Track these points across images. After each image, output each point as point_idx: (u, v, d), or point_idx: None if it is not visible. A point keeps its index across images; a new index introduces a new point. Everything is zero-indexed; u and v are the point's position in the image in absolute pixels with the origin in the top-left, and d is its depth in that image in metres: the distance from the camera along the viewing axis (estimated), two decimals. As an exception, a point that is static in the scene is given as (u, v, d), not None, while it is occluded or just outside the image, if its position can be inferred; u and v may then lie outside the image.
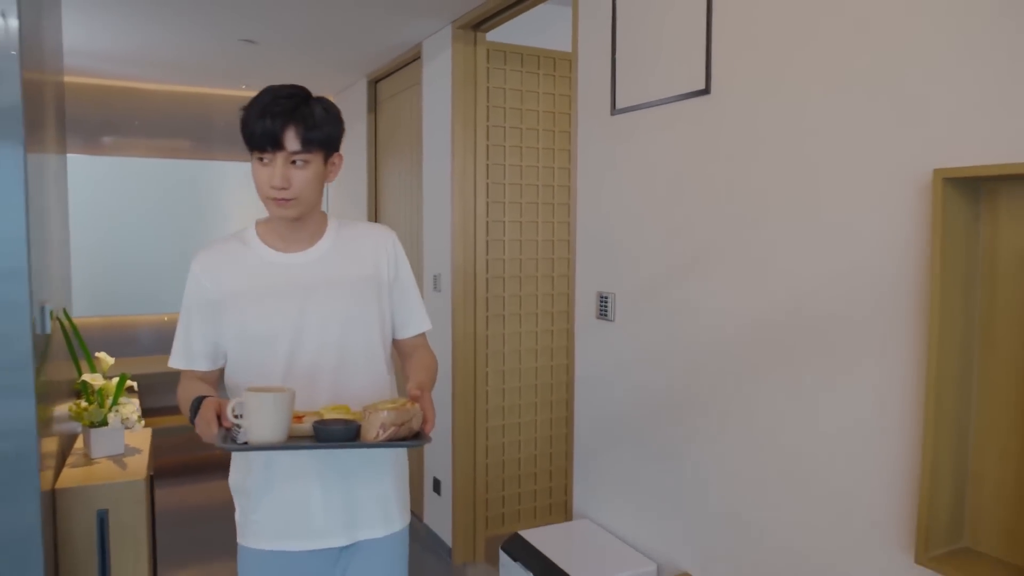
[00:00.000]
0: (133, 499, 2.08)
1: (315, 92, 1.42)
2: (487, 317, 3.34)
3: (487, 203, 3.30)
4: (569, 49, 3.24)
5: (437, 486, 3.48)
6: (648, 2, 2.03)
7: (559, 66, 3.48)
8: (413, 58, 3.73)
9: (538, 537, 2.17)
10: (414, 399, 1.29)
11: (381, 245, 1.52)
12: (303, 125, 1.32)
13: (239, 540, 1.50)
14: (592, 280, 2.32)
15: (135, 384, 2.30)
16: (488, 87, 3.27)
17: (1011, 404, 1.23)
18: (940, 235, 1.24)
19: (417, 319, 1.58)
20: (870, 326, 1.43)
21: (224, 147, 4.99)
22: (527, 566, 2.06)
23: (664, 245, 1.99)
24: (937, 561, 1.27)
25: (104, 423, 2.19)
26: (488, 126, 3.28)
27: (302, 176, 1.35)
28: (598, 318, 2.28)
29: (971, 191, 1.26)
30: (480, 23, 3.11)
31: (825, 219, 1.52)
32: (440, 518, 3.46)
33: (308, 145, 1.33)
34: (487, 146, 3.29)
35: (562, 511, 3.56)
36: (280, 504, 1.44)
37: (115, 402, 2.22)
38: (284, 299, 1.42)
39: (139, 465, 2.17)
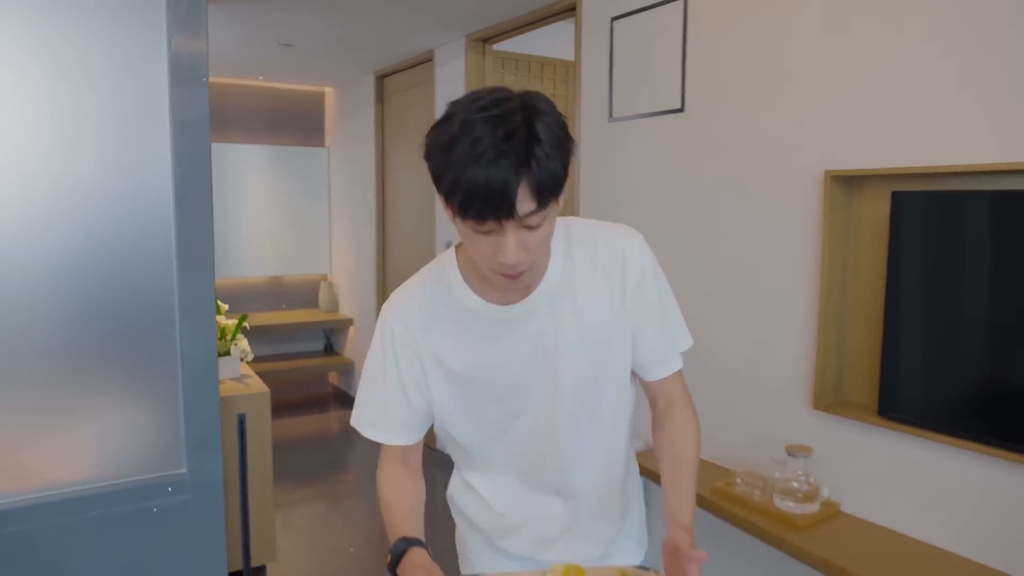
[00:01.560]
0: (261, 407, 2.79)
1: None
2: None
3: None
4: (563, 56, 4.00)
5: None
6: (637, 35, 2.81)
7: (546, 69, 4.23)
8: (424, 60, 4.41)
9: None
10: (669, 552, 0.95)
11: (623, 258, 1.16)
12: (537, 165, 0.89)
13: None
14: (592, 244, 3.11)
15: (247, 325, 2.98)
16: (493, 89, 4.00)
17: (867, 314, 2.08)
18: (828, 211, 2.07)
19: (667, 352, 1.21)
20: (788, 268, 2.26)
21: (239, 131, 5.58)
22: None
23: (650, 221, 2.79)
24: (826, 407, 2.12)
25: (227, 353, 2.88)
26: (493, 121, 4.01)
27: (539, 237, 0.96)
28: (597, 272, 3.08)
29: (847, 184, 2.09)
30: (490, 38, 3.83)
31: (762, 200, 2.34)
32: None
33: (545, 196, 0.91)
34: (492, 137, 4.02)
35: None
36: None
37: (234, 337, 2.91)
38: (500, 361, 1.13)
39: (258, 384, 2.87)
